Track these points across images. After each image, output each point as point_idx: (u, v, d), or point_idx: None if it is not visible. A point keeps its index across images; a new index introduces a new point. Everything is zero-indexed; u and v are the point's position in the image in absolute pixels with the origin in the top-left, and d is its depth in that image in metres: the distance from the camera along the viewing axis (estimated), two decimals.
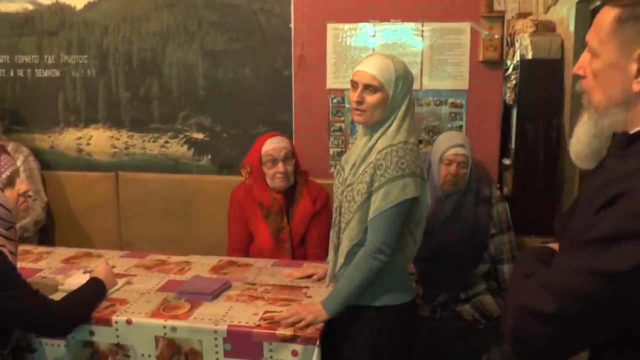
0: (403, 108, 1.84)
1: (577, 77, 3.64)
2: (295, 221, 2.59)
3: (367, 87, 1.83)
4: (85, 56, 3.27)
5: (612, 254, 0.98)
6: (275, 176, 2.54)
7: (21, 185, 1.84)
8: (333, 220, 1.97)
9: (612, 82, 1.11)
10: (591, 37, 1.15)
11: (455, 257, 2.50)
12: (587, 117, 1.18)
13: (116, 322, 1.89)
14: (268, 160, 2.54)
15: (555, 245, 1.26)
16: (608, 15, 1.11)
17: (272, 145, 2.55)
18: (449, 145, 2.48)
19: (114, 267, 2.27)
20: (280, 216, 2.58)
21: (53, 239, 3.30)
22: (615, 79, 1.10)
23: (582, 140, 1.19)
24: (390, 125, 1.84)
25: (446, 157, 2.47)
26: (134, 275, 2.27)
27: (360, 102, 1.84)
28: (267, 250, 2.57)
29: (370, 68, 1.83)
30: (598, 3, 3.36)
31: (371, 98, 1.83)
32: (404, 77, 1.84)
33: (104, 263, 2.16)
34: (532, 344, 1.07)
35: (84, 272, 2.19)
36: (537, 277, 1.10)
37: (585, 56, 1.17)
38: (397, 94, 1.83)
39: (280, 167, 2.53)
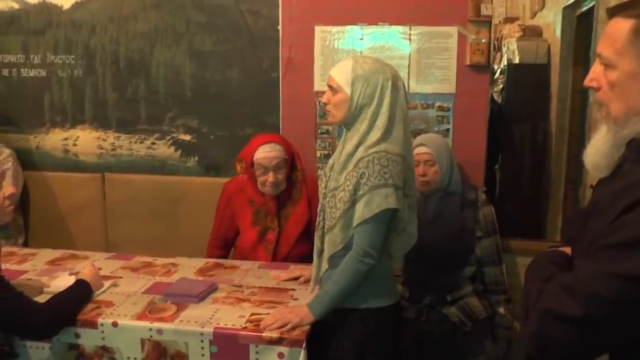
0: (383, 117, 1.84)
1: (563, 81, 3.65)
2: (291, 223, 2.61)
3: (330, 88, 1.91)
4: (72, 56, 3.27)
5: (635, 257, 1.01)
6: (266, 184, 2.54)
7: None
8: (317, 224, 1.99)
9: (632, 92, 1.13)
10: (604, 49, 1.16)
11: (441, 259, 2.52)
12: (607, 129, 1.19)
13: (102, 325, 1.89)
14: (259, 168, 2.53)
15: (566, 249, 1.28)
16: (623, 27, 1.13)
17: (263, 154, 2.51)
18: (412, 146, 2.51)
19: (100, 269, 2.27)
20: (270, 217, 2.60)
21: (38, 240, 3.29)
22: (635, 89, 1.13)
23: (600, 152, 1.21)
24: (369, 132, 1.84)
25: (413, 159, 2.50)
26: (120, 277, 2.28)
27: (326, 103, 1.94)
28: (249, 246, 2.60)
29: (333, 71, 1.92)
30: (584, 9, 3.40)
31: (333, 99, 1.90)
32: (365, 79, 1.85)
33: (90, 265, 2.17)
34: (556, 348, 1.09)
35: (70, 274, 2.19)
36: (559, 281, 1.11)
37: (597, 68, 1.19)
38: (356, 94, 1.85)
39: (270, 176, 2.51)
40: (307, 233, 2.61)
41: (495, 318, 2.59)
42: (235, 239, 2.75)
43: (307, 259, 2.54)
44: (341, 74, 1.88)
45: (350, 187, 1.82)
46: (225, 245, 2.77)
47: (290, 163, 2.60)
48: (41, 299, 1.93)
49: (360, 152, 1.84)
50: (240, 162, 2.61)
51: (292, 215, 2.61)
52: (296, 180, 2.63)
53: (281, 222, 2.61)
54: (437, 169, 2.51)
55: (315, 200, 2.56)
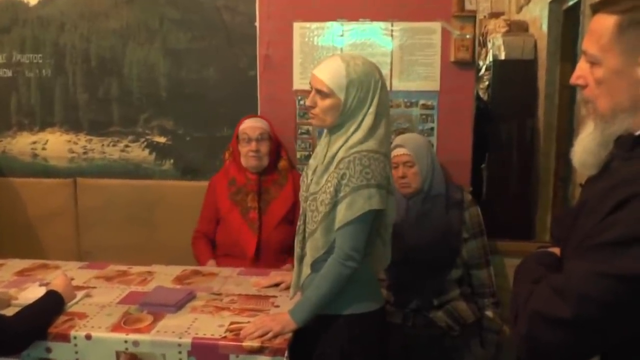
0: (370, 117, 1.85)
1: (550, 78, 3.70)
2: (274, 206, 2.71)
3: (318, 92, 1.88)
4: (40, 55, 3.24)
5: (626, 257, 1.02)
6: (248, 154, 2.68)
7: None
8: (297, 228, 2.00)
9: (618, 88, 1.15)
10: (590, 46, 1.19)
11: (427, 262, 2.54)
12: (593, 127, 1.22)
13: (75, 338, 1.88)
14: (243, 138, 2.71)
15: (555, 250, 1.30)
16: (606, 23, 1.15)
17: (249, 124, 2.74)
18: (390, 148, 2.53)
19: (72, 279, 2.26)
20: (250, 195, 2.70)
21: (6, 250, 3.25)
22: (621, 85, 1.15)
23: (587, 149, 1.23)
24: (353, 133, 1.86)
25: (392, 161, 2.51)
26: (94, 288, 2.26)
27: (311, 106, 1.90)
28: (235, 228, 2.69)
29: (321, 72, 1.88)
30: (571, 3, 3.45)
31: (322, 103, 1.87)
32: (360, 83, 1.85)
33: (61, 275, 2.16)
34: (546, 351, 1.10)
35: (40, 285, 2.18)
36: (548, 282, 1.13)
37: (583, 65, 1.21)
38: (350, 99, 1.85)
39: (252, 145, 2.68)
40: (292, 219, 2.70)
41: (483, 322, 2.61)
42: (215, 234, 2.82)
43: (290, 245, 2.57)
44: (333, 77, 1.85)
45: (331, 189, 1.83)
46: (210, 238, 2.85)
47: (276, 149, 2.77)
48: (9, 312, 1.91)
49: (341, 153, 1.85)
50: (229, 149, 2.85)
51: (277, 198, 2.73)
52: (282, 169, 2.77)
53: (263, 205, 2.70)
54: (417, 170, 2.53)
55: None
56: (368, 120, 1.86)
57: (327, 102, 1.86)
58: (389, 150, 1.94)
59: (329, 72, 1.86)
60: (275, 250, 2.68)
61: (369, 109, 1.86)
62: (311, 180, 1.94)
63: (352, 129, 1.86)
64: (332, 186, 1.83)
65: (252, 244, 2.65)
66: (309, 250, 1.92)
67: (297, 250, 1.99)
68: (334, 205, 1.84)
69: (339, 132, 1.89)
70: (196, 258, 2.79)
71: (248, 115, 2.82)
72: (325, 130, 1.99)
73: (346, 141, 1.86)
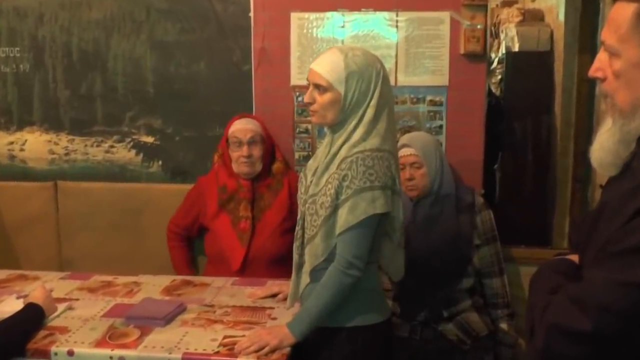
0: (371, 111, 1.86)
1: (568, 70, 3.70)
2: (269, 214, 2.70)
3: (317, 87, 1.89)
4: (18, 48, 3.25)
5: None
6: (239, 160, 2.67)
7: None
8: (295, 234, 2.00)
9: (638, 81, 1.16)
10: (608, 36, 1.19)
11: (436, 270, 2.54)
12: (612, 123, 1.22)
13: (56, 354, 1.88)
14: (234, 142, 2.69)
15: (573, 257, 1.31)
16: (625, 12, 1.16)
17: (239, 126, 2.71)
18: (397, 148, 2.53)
19: (52, 290, 2.27)
20: (243, 204, 2.69)
21: None
22: None
23: (605, 147, 1.24)
24: (354, 130, 1.87)
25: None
26: (76, 300, 2.27)
27: (310, 102, 1.91)
28: (222, 237, 2.68)
29: (318, 66, 1.89)
30: None
31: (321, 98, 1.89)
32: (360, 74, 1.86)
33: (41, 286, 2.16)
34: None
35: (18, 298, 2.18)
36: (566, 293, 1.13)
37: (602, 57, 1.22)
38: (350, 92, 1.86)
39: (244, 150, 2.65)
40: (286, 229, 2.67)
41: (497, 335, 2.62)
42: (197, 233, 2.87)
43: (283, 257, 2.57)
44: (332, 70, 1.86)
45: (332, 191, 1.84)
46: (186, 235, 2.90)
47: (270, 152, 2.76)
48: None
49: (343, 152, 1.86)
50: (218, 151, 2.83)
51: (272, 205, 2.71)
52: (277, 172, 2.76)
53: (256, 213, 2.69)
54: (425, 171, 2.53)
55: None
56: (369, 114, 1.87)
57: (327, 96, 1.87)
58: (394, 147, 1.94)
59: (326, 65, 1.88)
60: (265, 263, 2.66)
61: (370, 102, 1.87)
62: (310, 181, 1.95)
63: (352, 125, 1.87)
64: (332, 188, 1.84)
65: (239, 257, 2.64)
66: (307, 257, 1.92)
67: (295, 257, 1.99)
68: (334, 208, 1.84)
69: (341, 129, 1.90)
70: (171, 259, 2.89)
71: (238, 116, 2.81)
72: (326, 130, 2.00)
73: (348, 139, 1.87)
